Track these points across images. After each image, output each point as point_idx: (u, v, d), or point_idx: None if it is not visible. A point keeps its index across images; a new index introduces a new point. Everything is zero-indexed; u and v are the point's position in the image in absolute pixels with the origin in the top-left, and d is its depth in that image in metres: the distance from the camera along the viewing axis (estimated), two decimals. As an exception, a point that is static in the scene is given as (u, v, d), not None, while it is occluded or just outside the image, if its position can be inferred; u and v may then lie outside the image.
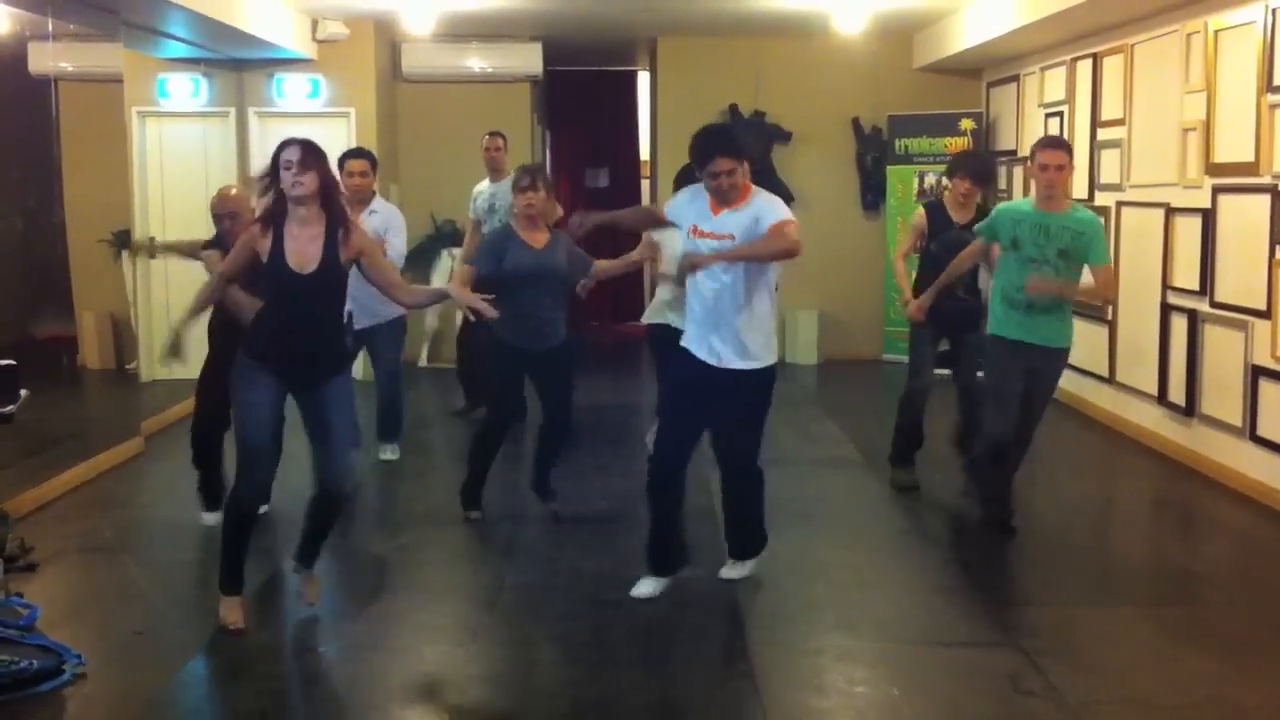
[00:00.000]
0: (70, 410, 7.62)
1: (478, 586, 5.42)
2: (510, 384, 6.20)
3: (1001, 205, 6.20)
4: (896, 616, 5.00)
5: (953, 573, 5.61)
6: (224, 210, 5.75)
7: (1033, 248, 5.75)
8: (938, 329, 6.68)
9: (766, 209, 4.82)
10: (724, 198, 4.83)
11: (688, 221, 4.97)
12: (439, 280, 11.22)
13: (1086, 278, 5.82)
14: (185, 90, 9.86)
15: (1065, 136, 9.26)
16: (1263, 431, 6.65)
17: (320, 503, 4.88)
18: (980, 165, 6.99)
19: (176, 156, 9.74)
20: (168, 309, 8.65)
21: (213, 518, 5.89)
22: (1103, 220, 5.88)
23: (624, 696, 4.27)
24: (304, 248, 4.56)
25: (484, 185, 8.56)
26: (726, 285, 4.84)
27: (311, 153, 4.56)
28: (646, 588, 5.12)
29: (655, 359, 6.76)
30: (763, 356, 4.93)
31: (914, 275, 6.82)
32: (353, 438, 5.36)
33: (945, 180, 7.17)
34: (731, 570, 5.34)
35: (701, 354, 4.94)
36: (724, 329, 4.87)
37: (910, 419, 6.84)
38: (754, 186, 4.94)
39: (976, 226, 6.20)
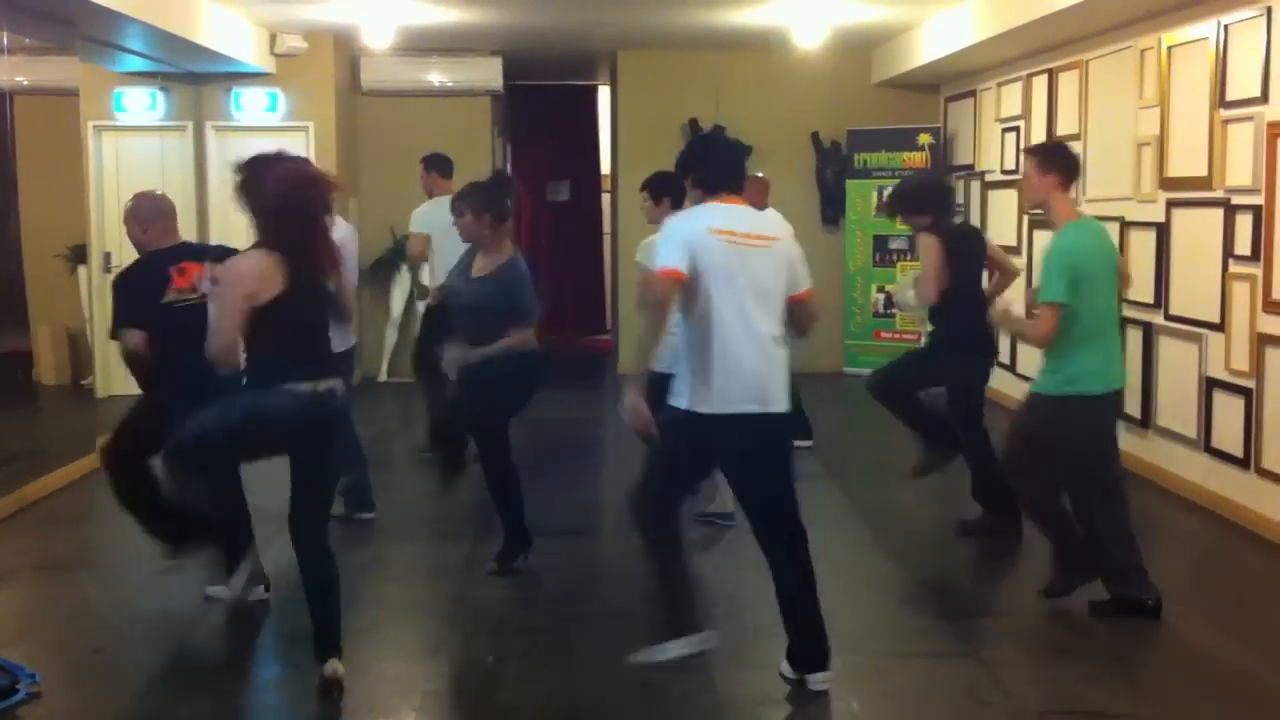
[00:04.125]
0: (25, 426, 7.54)
1: (439, 602, 5.40)
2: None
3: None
4: (857, 629, 5.01)
5: (913, 584, 5.64)
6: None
7: None
8: None
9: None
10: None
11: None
12: (399, 297, 11.20)
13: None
14: (142, 104, 9.81)
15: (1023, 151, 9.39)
16: (1217, 443, 6.72)
17: None
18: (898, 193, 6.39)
19: (133, 171, 9.64)
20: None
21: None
22: (1061, 241, 4.93)
23: (586, 711, 4.27)
24: None
25: None
26: None
27: None
28: None
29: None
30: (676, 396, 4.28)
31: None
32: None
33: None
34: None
35: None
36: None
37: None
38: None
39: None
